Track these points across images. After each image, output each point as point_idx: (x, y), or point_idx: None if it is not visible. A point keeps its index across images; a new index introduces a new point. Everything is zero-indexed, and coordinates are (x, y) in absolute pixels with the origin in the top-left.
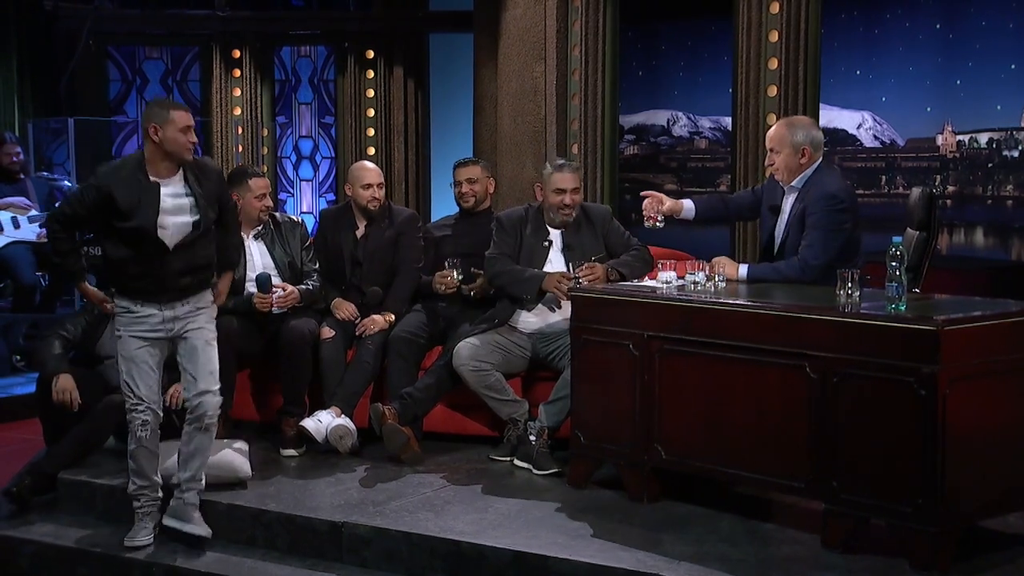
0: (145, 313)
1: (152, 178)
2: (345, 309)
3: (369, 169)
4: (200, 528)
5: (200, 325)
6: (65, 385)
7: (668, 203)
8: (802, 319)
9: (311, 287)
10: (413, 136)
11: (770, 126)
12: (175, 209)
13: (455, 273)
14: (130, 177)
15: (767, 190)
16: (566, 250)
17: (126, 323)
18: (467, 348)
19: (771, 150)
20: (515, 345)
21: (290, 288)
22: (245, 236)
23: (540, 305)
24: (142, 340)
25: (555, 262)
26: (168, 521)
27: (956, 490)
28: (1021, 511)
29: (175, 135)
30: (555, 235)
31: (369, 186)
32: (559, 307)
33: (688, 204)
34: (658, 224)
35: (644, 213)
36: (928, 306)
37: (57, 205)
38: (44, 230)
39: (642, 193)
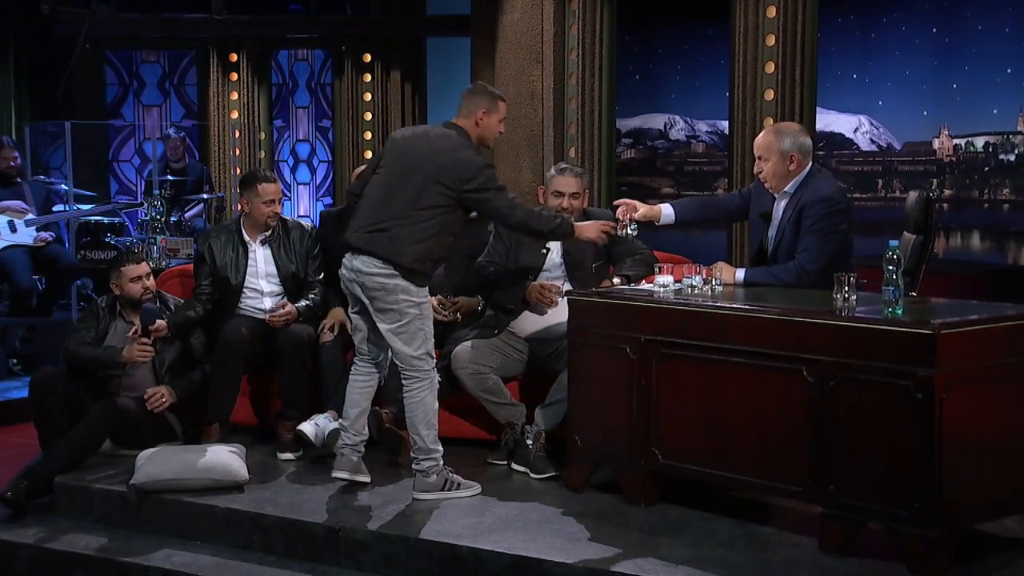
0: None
1: None
2: (335, 319)
3: None
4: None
5: None
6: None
7: (642, 209)
8: (799, 323)
9: (311, 303)
10: None
11: None
12: None
13: (444, 314)
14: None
15: (756, 195)
16: (566, 256)
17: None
18: (465, 352)
19: (759, 158)
20: (513, 348)
21: (288, 307)
22: (252, 242)
23: (539, 308)
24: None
25: (552, 269)
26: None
27: (953, 494)
28: (1018, 515)
29: (494, 124)
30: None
31: None
32: (544, 313)
33: (667, 209)
34: (630, 231)
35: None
36: (925, 310)
37: (485, 186)
38: (42, 234)
39: (615, 202)
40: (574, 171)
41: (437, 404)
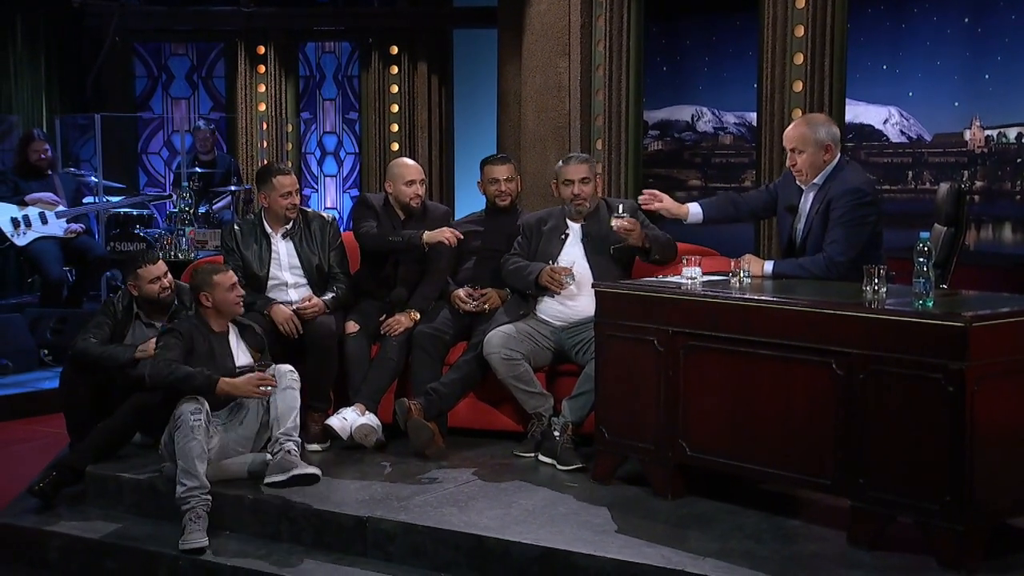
0: None
1: None
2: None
3: (410, 166)
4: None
5: None
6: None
7: (668, 203)
8: (828, 315)
9: (337, 294)
10: (437, 132)
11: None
12: None
13: (472, 304)
14: None
15: (782, 188)
16: (585, 239)
17: None
18: (498, 336)
19: (792, 150)
20: (542, 336)
21: (315, 301)
22: (273, 235)
23: (565, 299)
24: None
25: (571, 254)
26: (274, 477)
27: (984, 487)
28: None
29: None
30: (574, 227)
31: (412, 182)
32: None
33: (694, 208)
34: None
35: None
36: (956, 302)
37: None
38: (72, 225)
39: (643, 191)
40: (579, 158)
41: (188, 443)
